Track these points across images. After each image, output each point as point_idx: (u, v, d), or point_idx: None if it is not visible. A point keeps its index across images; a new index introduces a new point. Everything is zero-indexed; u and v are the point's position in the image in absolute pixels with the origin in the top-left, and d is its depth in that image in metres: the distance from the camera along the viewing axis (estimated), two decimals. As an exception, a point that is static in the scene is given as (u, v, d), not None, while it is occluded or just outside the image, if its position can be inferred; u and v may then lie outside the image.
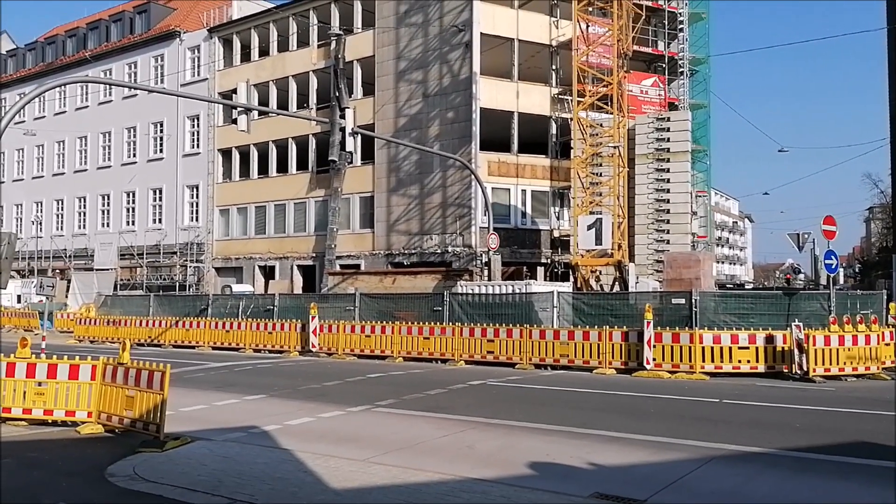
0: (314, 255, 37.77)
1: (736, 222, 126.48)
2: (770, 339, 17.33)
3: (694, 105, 35.96)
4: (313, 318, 23.82)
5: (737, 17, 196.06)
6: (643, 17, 33.44)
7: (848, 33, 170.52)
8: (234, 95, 26.20)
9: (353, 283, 31.63)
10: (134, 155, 46.94)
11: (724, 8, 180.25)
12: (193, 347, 26.74)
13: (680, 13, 35.34)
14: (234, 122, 23.39)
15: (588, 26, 31.10)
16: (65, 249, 49.34)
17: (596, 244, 29.27)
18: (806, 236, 22.07)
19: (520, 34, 33.89)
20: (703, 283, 24.20)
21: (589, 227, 29.23)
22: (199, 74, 43.75)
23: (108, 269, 45.44)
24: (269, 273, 40.14)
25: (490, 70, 33.25)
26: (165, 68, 45.22)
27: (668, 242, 30.63)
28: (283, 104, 39.55)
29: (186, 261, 42.49)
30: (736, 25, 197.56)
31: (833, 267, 19.14)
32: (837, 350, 16.66)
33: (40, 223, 50.59)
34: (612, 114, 30.04)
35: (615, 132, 29.86)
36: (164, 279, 43.20)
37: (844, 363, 16.72)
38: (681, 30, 35.44)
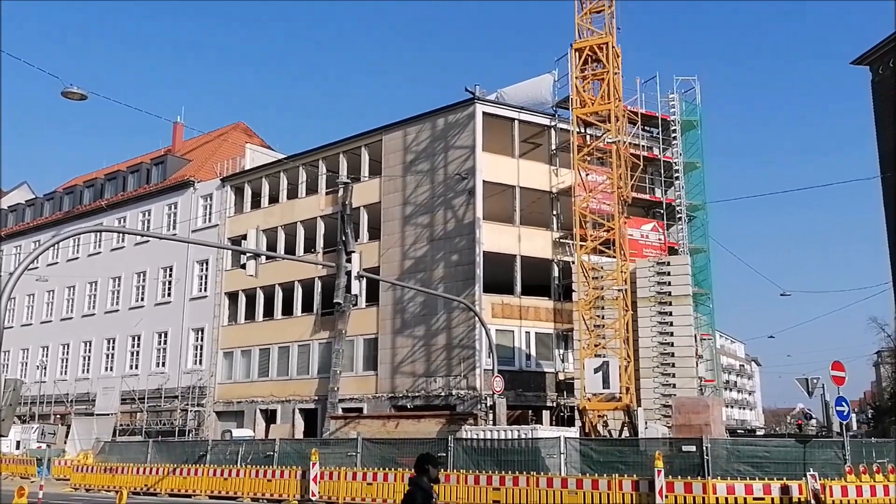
0: (316, 398, 37.29)
1: (743, 365, 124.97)
2: (786, 490, 16.82)
3: (694, 249, 36.56)
4: (314, 464, 23.29)
5: (732, 163, 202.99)
6: (640, 167, 34.71)
7: (842, 181, 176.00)
8: (243, 241, 27.11)
9: (355, 428, 31.01)
10: (142, 299, 47.38)
11: (718, 153, 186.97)
12: (190, 496, 25.97)
13: (675, 163, 36.68)
14: (243, 266, 23.99)
15: (587, 175, 32.22)
16: (67, 394, 48.76)
17: (604, 387, 28.88)
18: (815, 381, 21.87)
19: (521, 181, 35.12)
20: (713, 430, 23.68)
21: (596, 370, 28.93)
22: (210, 220, 44.92)
23: (108, 414, 44.70)
24: (270, 417, 39.48)
25: (493, 215, 34.20)
26: (178, 215, 46.49)
27: (674, 386, 30.24)
28: (290, 248, 40.37)
29: (188, 405, 41.90)
30: (732, 172, 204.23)
31: (845, 414, 18.87)
32: (856, 501, 16.12)
33: (45, 367, 50.31)
34: (613, 257, 30.54)
35: (618, 276, 30.23)
36: (164, 424, 42.41)
37: (864, 514, 16.13)
38: (676, 178, 36.62)
